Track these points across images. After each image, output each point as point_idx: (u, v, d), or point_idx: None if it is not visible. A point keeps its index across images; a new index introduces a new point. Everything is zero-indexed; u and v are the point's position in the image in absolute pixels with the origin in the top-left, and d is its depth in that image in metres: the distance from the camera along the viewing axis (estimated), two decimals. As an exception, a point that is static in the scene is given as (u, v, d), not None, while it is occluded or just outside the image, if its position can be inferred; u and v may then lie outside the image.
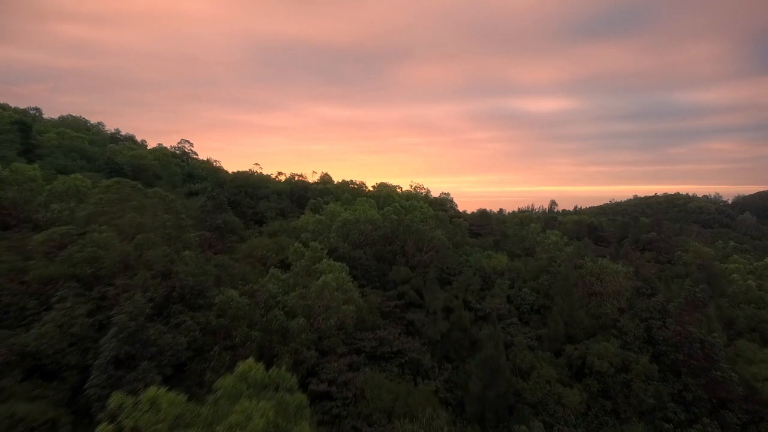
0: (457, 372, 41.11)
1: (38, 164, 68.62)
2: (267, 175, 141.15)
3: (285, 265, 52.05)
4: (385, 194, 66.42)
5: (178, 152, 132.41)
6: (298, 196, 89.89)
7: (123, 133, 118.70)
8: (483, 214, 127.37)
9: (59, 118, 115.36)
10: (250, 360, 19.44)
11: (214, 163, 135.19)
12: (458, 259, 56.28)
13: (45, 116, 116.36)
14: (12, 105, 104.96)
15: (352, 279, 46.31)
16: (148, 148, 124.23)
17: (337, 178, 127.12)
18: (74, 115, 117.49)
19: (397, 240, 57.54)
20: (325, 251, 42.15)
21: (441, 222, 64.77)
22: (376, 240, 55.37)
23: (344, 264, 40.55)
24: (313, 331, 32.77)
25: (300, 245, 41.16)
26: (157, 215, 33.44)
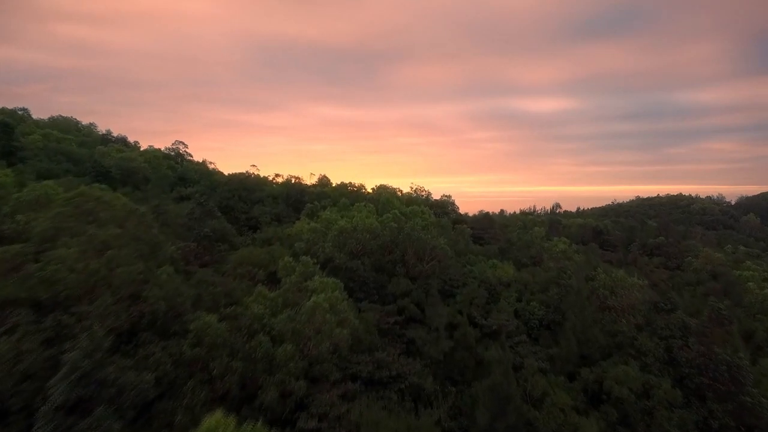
0: (462, 396, 37.78)
1: (19, 168, 65.54)
2: (264, 177, 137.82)
3: (277, 279, 48.80)
4: (384, 199, 63.11)
5: (172, 153, 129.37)
6: (295, 200, 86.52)
7: (115, 134, 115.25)
8: (485, 218, 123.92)
9: (49, 118, 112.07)
10: (218, 414, 16.07)
11: (210, 165, 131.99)
12: (462, 270, 52.90)
13: (35, 117, 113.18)
14: (12, 105, 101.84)
15: (347, 295, 43.09)
16: (141, 149, 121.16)
17: (336, 179, 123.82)
18: (65, 115, 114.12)
19: (397, 249, 54.16)
20: (318, 265, 38.67)
21: (443, 229, 61.42)
22: (374, 249, 52.00)
23: (338, 281, 37.11)
24: (303, 359, 29.39)
25: (290, 259, 37.80)
26: (126, 229, 30.03)
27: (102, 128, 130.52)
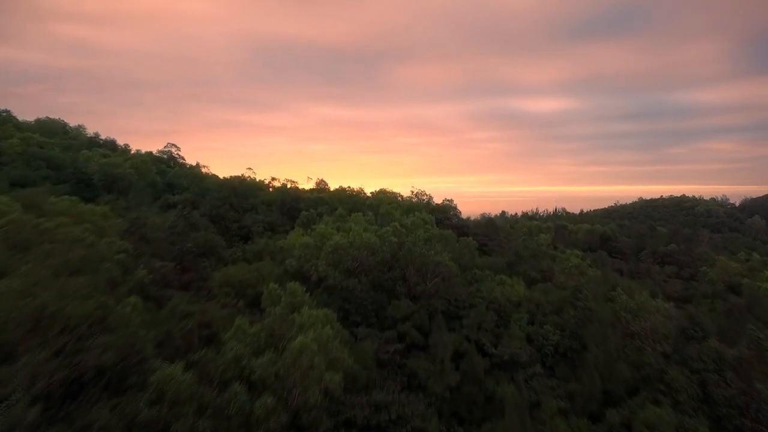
0: (471, 439, 33.43)
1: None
2: (260, 181, 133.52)
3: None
4: (383, 211, 58.63)
5: (164, 156, 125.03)
6: (289, 208, 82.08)
7: (104, 137, 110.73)
8: (489, 224, 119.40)
9: (36, 120, 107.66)
10: None
11: (203, 169, 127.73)
12: (468, 289, 48.46)
13: (22, 119, 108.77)
14: (13, 105, 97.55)
15: (343, 320, 38.79)
16: (132, 152, 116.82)
17: (335, 179, 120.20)
18: (65, 117, 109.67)
19: (398, 265, 49.79)
20: (308, 293, 34.24)
21: (447, 241, 57.00)
22: (372, 266, 47.60)
23: (330, 311, 32.67)
24: (287, 411, 24.96)
25: (276, 286, 33.35)
26: (71, 258, 25.55)
27: (101, 129, 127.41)
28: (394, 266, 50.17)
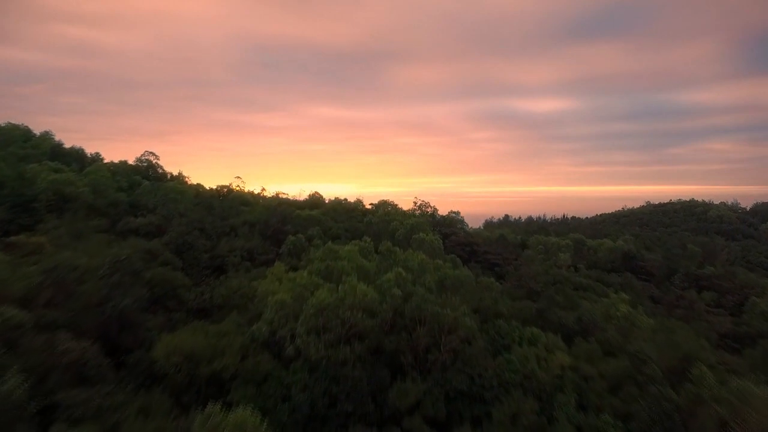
0: None
1: None
2: (249, 192, 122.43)
3: (223, 383, 32.85)
4: (384, 249, 46.63)
5: (144, 164, 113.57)
6: (274, 230, 70.48)
7: (69, 146, 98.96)
8: (502, 241, 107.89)
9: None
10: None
11: (186, 179, 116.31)
12: (495, 360, 36.70)
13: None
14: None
15: (329, 402, 27.24)
16: (106, 162, 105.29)
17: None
18: (15, 123, 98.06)
19: (402, 324, 38.23)
20: (264, 424, 22.50)
21: (463, 283, 45.30)
22: (369, 329, 35.95)
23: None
24: None
25: (218, 410, 21.64)
26: None
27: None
28: (397, 325, 38.57)
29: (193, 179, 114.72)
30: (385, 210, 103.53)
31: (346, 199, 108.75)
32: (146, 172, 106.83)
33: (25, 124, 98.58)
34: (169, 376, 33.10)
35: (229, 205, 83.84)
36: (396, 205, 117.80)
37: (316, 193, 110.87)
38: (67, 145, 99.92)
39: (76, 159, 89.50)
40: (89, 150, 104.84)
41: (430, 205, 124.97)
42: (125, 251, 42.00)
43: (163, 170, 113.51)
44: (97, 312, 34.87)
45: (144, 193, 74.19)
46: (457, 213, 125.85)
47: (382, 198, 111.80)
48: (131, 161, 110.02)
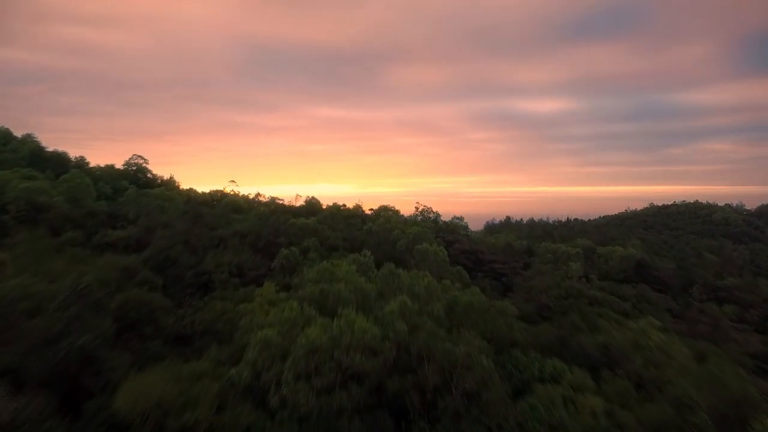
0: None
1: None
2: (243, 196, 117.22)
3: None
4: (386, 272, 41.28)
5: (132, 169, 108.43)
6: (267, 242, 65.30)
7: (51, 149, 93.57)
8: (508, 249, 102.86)
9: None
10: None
11: (177, 184, 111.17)
12: (515, 408, 31.51)
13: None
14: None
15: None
16: (91, 167, 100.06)
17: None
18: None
19: (408, 360, 33.06)
20: None
21: (476, 311, 40.11)
22: (370, 370, 30.73)
23: None
24: None
25: None
26: None
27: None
28: (401, 362, 33.38)
29: (193, 180, 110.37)
30: (386, 216, 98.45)
31: (344, 205, 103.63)
32: (134, 177, 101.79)
33: (6, 127, 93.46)
34: (133, 428, 28.01)
35: (220, 212, 78.66)
36: (397, 210, 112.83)
37: (312, 198, 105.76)
38: (67, 145, 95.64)
39: (58, 164, 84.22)
40: (89, 150, 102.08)
41: (432, 211, 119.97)
42: (90, 275, 36.76)
43: (153, 175, 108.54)
44: (51, 351, 29.63)
45: (128, 201, 68.98)
46: (461, 218, 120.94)
47: (381, 199, 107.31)
48: (119, 165, 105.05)
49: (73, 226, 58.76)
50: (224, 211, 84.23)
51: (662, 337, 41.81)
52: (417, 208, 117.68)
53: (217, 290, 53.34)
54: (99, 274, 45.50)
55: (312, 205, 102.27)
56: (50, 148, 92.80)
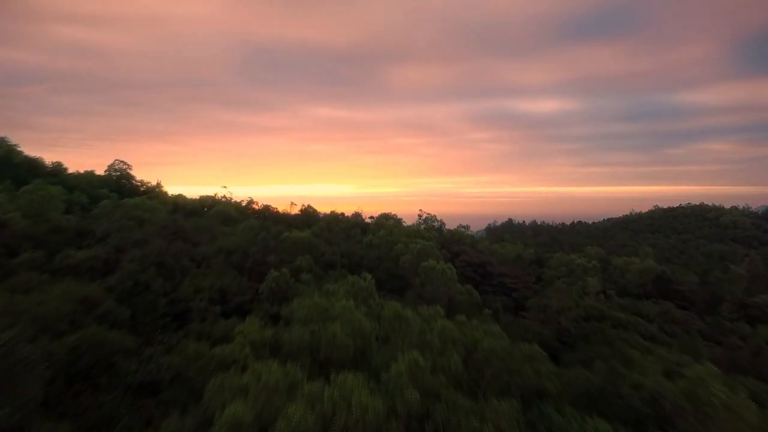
0: None
1: None
2: (235, 203, 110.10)
3: None
4: (390, 315, 34.38)
5: (115, 175, 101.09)
6: (255, 261, 58.13)
7: (26, 154, 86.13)
8: (517, 264, 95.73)
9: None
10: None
11: (163, 191, 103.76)
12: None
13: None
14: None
15: None
16: (70, 173, 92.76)
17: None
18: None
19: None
20: None
21: (500, 357, 33.10)
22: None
23: None
24: None
25: None
26: None
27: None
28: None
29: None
30: (387, 227, 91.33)
31: (343, 214, 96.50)
32: (117, 185, 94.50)
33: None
34: None
35: (206, 225, 71.42)
36: (399, 219, 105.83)
37: (308, 207, 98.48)
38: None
39: (29, 171, 76.87)
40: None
41: (436, 219, 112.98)
42: (18, 326, 29.59)
43: (139, 181, 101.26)
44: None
45: (101, 213, 61.67)
46: (467, 227, 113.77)
47: (381, 199, 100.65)
48: (100, 171, 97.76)
49: (32, 245, 51.64)
50: (211, 222, 77.01)
51: (727, 392, 34.69)
52: (420, 216, 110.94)
53: (194, 322, 46.20)
54: (51, 306, 38.53)
55: (308, 215, 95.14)
56: (25, 153, 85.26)
